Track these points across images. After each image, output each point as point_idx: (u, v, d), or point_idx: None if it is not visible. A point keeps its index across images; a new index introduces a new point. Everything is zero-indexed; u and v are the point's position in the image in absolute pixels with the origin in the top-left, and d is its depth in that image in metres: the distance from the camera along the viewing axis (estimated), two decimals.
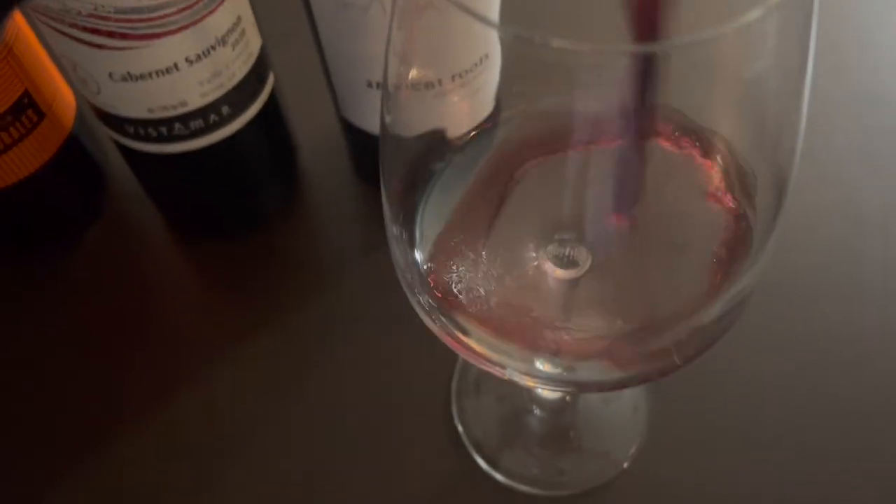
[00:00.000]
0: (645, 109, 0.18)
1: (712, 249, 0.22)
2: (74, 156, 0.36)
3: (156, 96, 0.29)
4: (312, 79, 0.35)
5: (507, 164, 0.23)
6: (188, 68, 0.29)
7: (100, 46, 0.27)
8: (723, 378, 0.32)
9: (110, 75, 0.28)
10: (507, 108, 0.25)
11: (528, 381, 0.21)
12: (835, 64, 0.42)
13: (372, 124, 0.34)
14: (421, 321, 0.22)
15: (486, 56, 0.26)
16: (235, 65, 0.30)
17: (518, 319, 0.21)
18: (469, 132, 0.24)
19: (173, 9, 0.27)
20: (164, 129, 0.30)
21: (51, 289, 0.37)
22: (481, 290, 0.21)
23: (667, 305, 0.21)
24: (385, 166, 0.21)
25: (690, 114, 0.21)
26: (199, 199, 0.37)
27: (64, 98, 0.35)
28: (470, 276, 0.21)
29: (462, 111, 0.26)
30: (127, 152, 0.33)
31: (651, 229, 0.22)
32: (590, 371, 0.21)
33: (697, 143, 0.22)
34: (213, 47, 0.29)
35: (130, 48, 0.27)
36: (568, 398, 0.33)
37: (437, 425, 0.33)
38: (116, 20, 0.26)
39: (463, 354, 0.21)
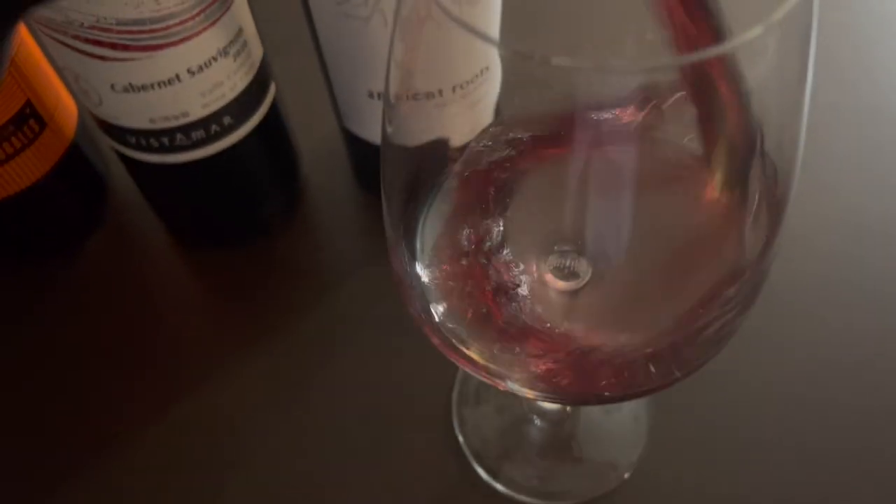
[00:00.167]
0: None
1: (713, 260, 0.22)
2: (76, 165, 0.36)
3: (157, 107, 0.29)
4: (314, 89, 0.36)
5: (503, 172, 0.23)
6: (190, 79, 0.29)
7: (102, 58, 0.27)
8: (724, 387, 0.32)
9: (112, 86, 0.28)
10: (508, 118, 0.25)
11: (528, 394, 0.21)
12: (835, 76, 0.42)
13: (373, 134, 0.34)
14: (421, 331, 0.22)
15: (487, 68, 0.26)
16: (237, 76, 0.30)
17: (519, 331, 0.21)
18: (470, 143, 0.24)
19: (175, 20, 0.27)
20: (165, 140, 0.31)
21: (52, 298, 0.37)
22: (481, 301, 0.21)
23: (667, 317, 0.21)
24: (386, 176, 0.21)
25: (692, 125, 0.21)
26: (200, 208, 0.37)
27: (66, 107, 0.35)
28: (469, 288, 0.21)
29: (463, 122, 0.26)
30: (128, 162, 0.33)
31: (651, 241, 0.22)
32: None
33: (699, 155, 0.22)
34: (215, 58, 0.29)
35: (132, 59, 0.27)
36: (568, 409, 0.33)
37: (438, 435, 0.33)
38: (118, 32, 0.26)
39: (463, 366, 0.21)
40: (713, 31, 0.16)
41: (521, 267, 0.22)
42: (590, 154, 0.19)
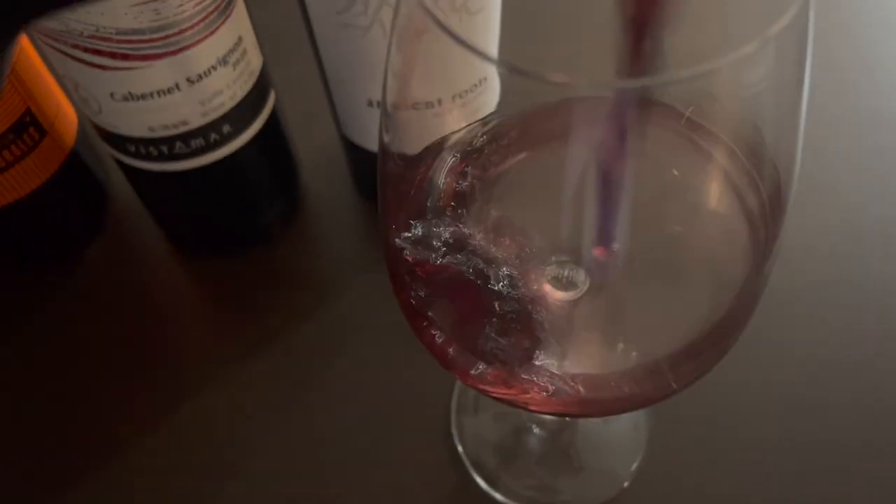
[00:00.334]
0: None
1: (710, 270, 0.22)
2: (76, 173, 0.36)
3: (157, 116, 0.29)
4: (313, 97, 0.36)
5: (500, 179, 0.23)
6: (189, 88, 0.29)
7: (101, 67, 0.27)
8: (723, 394, 0.32)
9: (112, 95, 0.28)
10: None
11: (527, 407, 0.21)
12: (836, 83, 0.42)
13: (372, 143, 0.34)
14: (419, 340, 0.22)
15: (485, 78, 0.26)
16: (237, 84, 0.31)
17: (518, 341, 0.21)
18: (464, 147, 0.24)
19: (174, 30, 0.27)
20: (165, 148, 0.31)
21: (52, 305, 0.37)
22: (479, 310, 0.21)
23: (665, 328, 0.21)
24: (383, 185, 0.21)
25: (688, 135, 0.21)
26: (200, 216, 0.37)
27: (66, 115, 0.35)
28: (464, 300, 0.21)
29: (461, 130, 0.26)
30: (128, 170, 0.33)
31: (649, 252, 0.22)
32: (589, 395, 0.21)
33: (697, 165, 0.22)
34: (214, 67, 0.29)
35: (132, 69, 0.27)
36: (567, 418, 0.33)
37: (437, 443, 0.33)
38: (118, 41, 0.26)
39: (461, 378, 0.21)
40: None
41: (519, 277, 0.22)
42: (587, 163, 0.19)
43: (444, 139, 0.24)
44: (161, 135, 0.30)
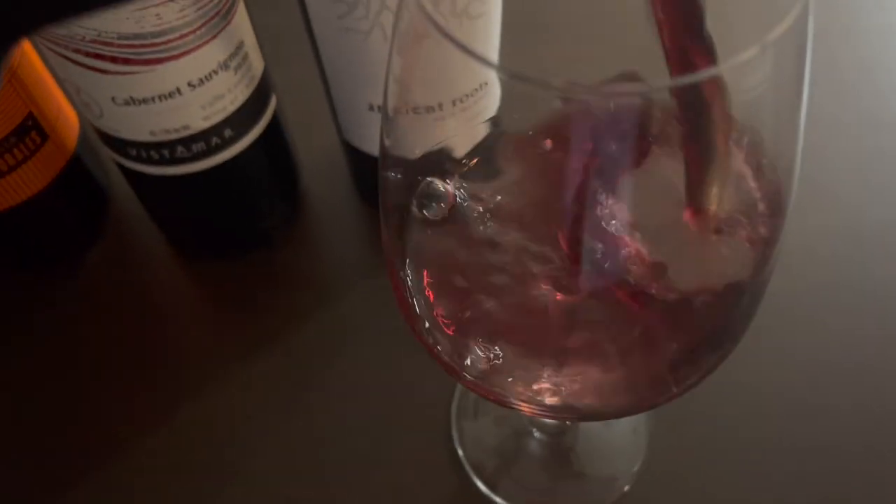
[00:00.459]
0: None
1: (710, 275, 0.22)
2: (77, 177, 0.37)
3: (158, 120, 0.29)
4: (314, 101, 0.36)
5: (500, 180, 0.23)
6: (191, 92, 0.29)
7: (103, 71, 0.27)
8: (723, 396, 0.32)
9: (113, 99, 0.28)
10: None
11: (527, 409, 0.21)
12: (836, 85, 0.43)
13: (373, 147, 0.34)
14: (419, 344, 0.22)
15: (486, 83, 0.26)
16: (238, 88, 0.31)
17: (519, 345, 0.21)
18: (468, 155, 0.24)
19: (176, 34, 0.27)
20: (166, 152, 0.31)
21: (53, 308, 0.37)
22: (479, 314, 0.21)
23: (665, 331, 0.21)
24: (384, 189, 0.21)
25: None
26: (201, 220, 0.37)
27: (67, 119, 0.36)
28: (468, 301, 0.22)
29: (462, 135, 0.27)
30: (129, 174, 0.33)
31: (649, 253, 0.22)
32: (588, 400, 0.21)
33: (698, 170, 0.22)
34: (216, 71, 0.29)
35: (133, 73, 0.27)
36: (568, 421, 0.33)
37: (437, 447, 0.33)
38: (119, 46, 0.26)
39: (463, 383, 0.21)
40: (708, 53, 0.16)
41: (520, 279, 0.22)
42: (587, 169, 0.19)
43: (444, 143, 0.24)
44: (162, 139, 0.30)
